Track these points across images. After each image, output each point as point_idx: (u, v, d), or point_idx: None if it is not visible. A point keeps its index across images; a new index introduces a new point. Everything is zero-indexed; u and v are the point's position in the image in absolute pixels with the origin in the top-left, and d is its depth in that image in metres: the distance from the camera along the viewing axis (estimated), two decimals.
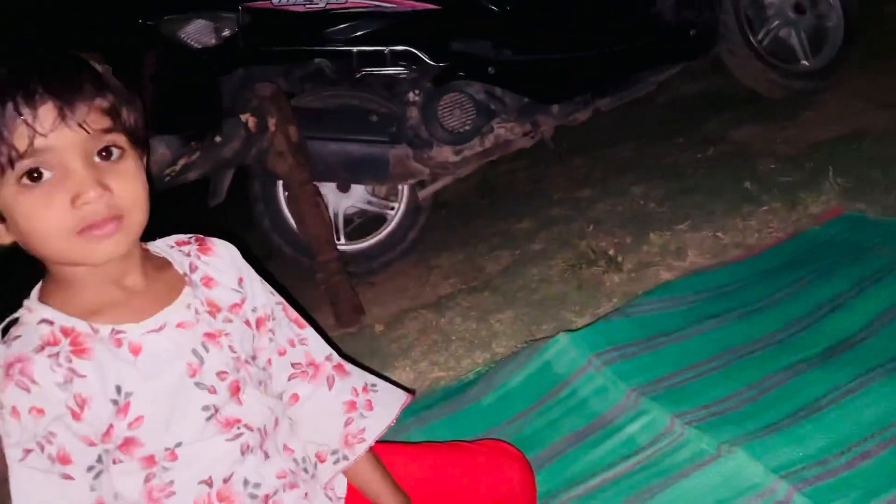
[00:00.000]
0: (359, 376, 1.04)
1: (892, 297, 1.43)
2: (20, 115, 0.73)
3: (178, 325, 0.85)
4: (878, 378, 1.23)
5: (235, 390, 0.88)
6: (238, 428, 0.87)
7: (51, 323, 0.80)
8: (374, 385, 1.04)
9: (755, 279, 1.70)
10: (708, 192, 2.26)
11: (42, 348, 0.79)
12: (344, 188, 2.52)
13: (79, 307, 0.82)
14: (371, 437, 1.00)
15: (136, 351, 0.82)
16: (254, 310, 0.94)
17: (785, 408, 1.24)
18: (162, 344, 0.84)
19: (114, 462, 0.82)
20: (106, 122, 0.78)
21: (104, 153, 0.78)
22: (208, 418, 0.85)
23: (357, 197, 2.54)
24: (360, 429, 1.00)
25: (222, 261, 0.94)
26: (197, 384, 0.85)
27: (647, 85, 2.64)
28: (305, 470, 0.96)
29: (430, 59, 2.37)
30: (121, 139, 0.79)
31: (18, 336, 0.80)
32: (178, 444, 0.84)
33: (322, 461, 0.99)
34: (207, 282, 0.91)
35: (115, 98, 0.79)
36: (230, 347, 0.88)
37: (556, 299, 1.96)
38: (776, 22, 2.69)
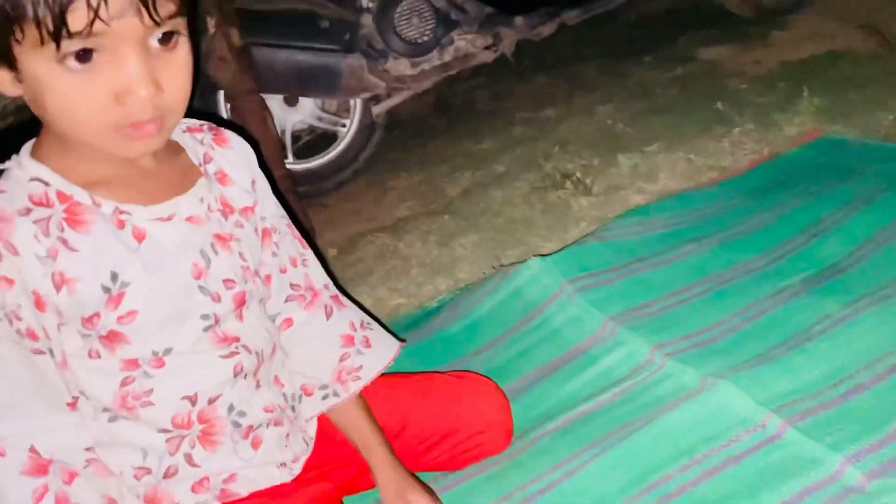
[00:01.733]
0: (355, 311, 0.98)
1: (878, 221, 1.37)
2: None
3: (189, 219, 0.76)
4: (868, 308, 1.18)
5: (240, 303, 0.79)
6: (235, 346, 0.79)
7: (46, 184, 0.69)
8: (369, 323, 0.98)
9: (733, 203, 1.62)
10: (678, 112, 2.16)
11: (29, 211, 0.68)
12: (292, 102, 2.32)
13: (81, 176, 0.71)
14: (368, 377, 0.93)
15: (139, 237, 0.73)
16: (263, 218, 0.86)
17: (772, 337, 1.17)
18: (169, 235, 0.74)
19: (90, 355, 0.72)
20: (172, 7, 0.65)
21: (164, 40, 0.66)
22: (206, 328, 0.77)
23: (306, 112, 2.35)
24: (356, 366, 0.93)
25: (238, 156, 0.85)
26: (201, 288, 0.76)
27: None
28: (293, 408, 0.89)
29: None
30: (181, 23, 0.67)
31: (2, 191, 0.69)
32: (168, 351, 0.75)
33: (308, 395, 0.92)
34: (222, 177, 0.82)
35: None
36: (240, 254, 0.80)
37: (522, 223, 1.86)
38: None
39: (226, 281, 0.78)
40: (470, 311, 1.46)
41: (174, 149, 0.79)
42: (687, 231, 1.52)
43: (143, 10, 0.62)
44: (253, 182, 0.85)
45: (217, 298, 0.77)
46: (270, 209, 0.87)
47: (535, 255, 1.49)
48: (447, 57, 2.39)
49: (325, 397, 0.92)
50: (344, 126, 2.40)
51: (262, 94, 2.05)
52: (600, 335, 1.28)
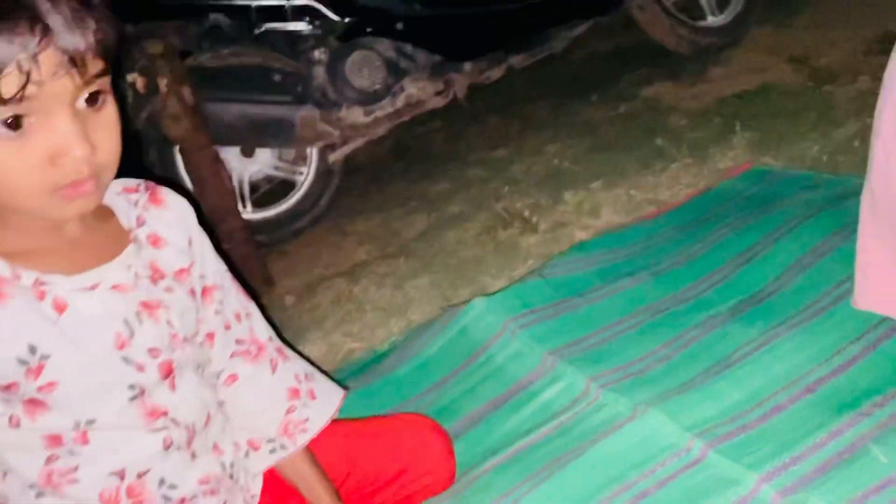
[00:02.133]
0: (300, 362, 0.99)
1: (799, 249, 1.44)
2: (15, 58, 0.61)
3: (114, 287, 0.76)
4: (787, 331, 1.24)
5: (167, 372, 0.79)
6: (164, 421, 0.78)
7: None
8: (313, 374, 0.99)
9: (668, 236, 1.70)
10: (621, 149, 2.25)
11: None
12: (248, 153, 2.38)
13: (3, 246, 0.71)
14: (314, 429, 0.94)
15: (60, 308, 0.72)
16: (202, 277, 0.86)
17: (699, 365, 1.24)
18: (92, 305, 0.74)
19: (10, 422, 0.71)
20: (100, 64, 0.66)
21: (91, 99, 0.67)
22: (132, 398, 0.76)
23: (263, 162, 2.41)
24: (302, 418, 0.94)
25: (174, 216, 0.84)
26: (124, 358, 0.75)
27: (559, 41, 2.60)
28: (231, 476, 0.89)
29: (335, 14, 2.25)
30: (107, 82, 0.69)
31: None
32: (91, 422, 0.74)
33: (256, 449, 0.93)
34: (155, 240, 0.82)
35: (112, 34, 0.67)
36: (168, 322, 0.79)
37: (473, 263, 1.92)
38: None
39: (151, 350, 0.77)
40: (419, 352, 1.51)
41: (104, 214, 0.79)
42: (623, 265, 1.59)
43: (73, 70, 0.63)
44: (189, 241, 0.85)
45: (141, 368, 0.77)
46: (211, 267, 0.88)
47: (481, 295, 1.55)
48: (399, 104, 2.46)
49: (272, 451, 0.93)
50: (301, 174, 2.46)
51: (218, 147, 2.12)
52: (541, 370, 1.33)
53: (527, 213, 2.04)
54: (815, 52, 2.50)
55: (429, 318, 1.67)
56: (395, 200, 2.53)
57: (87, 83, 0.65)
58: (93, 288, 0.74)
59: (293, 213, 2.46)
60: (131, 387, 0.76)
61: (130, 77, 1.84)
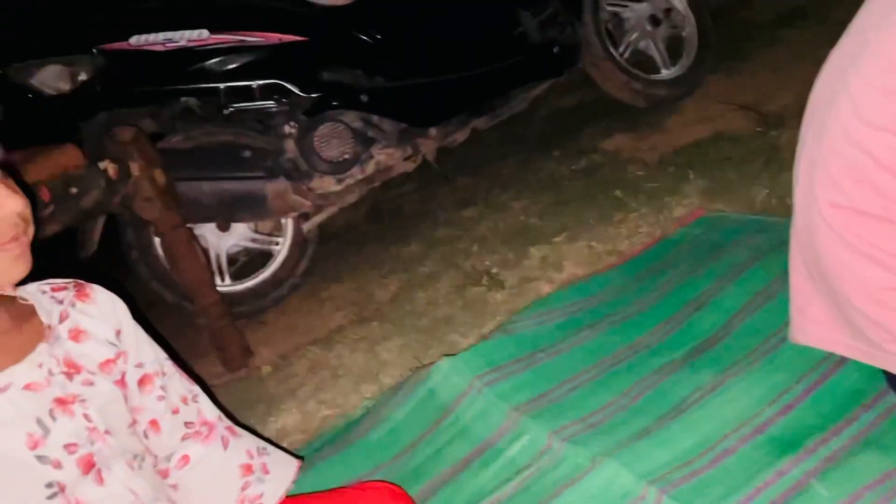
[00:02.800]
0: (250, 438, 1.01)
1: (747, 293, 1.51)
2: None
3: (26, 387, 0.77)
4: (736, 374, 1.30)
5: (88, 466, 0.79)
6: None
7: None
8: (265, 448, 1.01)
9: (626, 285, 1.76)
10: (582, 202, 2.33)
11: None
12: (224, 227, 2.44)
13: None
14: (270, 503, 0.96)
15: None
16: (138, 366, 0.88)
17: (653, 412, 1.28)
18: (2, 408, 0.75)
19: None
20: None
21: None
22: (50, 496, 0.76)
23: (239, 235, 2.47)
24: (258, 493, 0.96)
25: (100, 310, 0.87)
26: (39, 457, 0.76)
27: (520, 102, 2.70)
28: None
29: (301, 91, 2.33)
30: None
31: None
32: None
33: None
34: (77, 335, 0.84)
35: None
36: (84, 416, 0.80)
37: (444, 322, 1.97)
38: (635, 34, 2.81)
39: (67, 446, 0.77)
40: (388, 415, 1.54)
41: (26, 314, 0.81)
42: (583, 317, 1.65)
43: None
44: (117, 333, 0.88)
45: (58, 465, 0.76)
46: (148, 356, 0.91)
47: (448, 354, 1.60)
48: (369, 171, 2.53)
49: None
50: (278, 244, 2.52)
51: (194, 224, 2.18)
52: (505, 426, 1.37)
53: (494, 270, 2.10)
54: (764, 96, 2.61)
55: (399, 381, 1.71)
56: (369, 263, 2.58)
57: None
58: (3, 389, 0.75)
59: (272, 283, 2.50)
60: (48, 485, 0.76)
61: (102, 164, 1.91)
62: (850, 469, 1.04)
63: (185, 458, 0.93)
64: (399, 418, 1.52)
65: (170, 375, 0.93)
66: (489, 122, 2.73)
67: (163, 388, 0.91)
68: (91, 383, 0.82)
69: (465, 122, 2.66)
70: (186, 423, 0.94)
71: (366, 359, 1.90)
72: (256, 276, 2.50)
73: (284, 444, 1.66)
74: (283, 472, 1.00)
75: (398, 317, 2.08)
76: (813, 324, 1.11)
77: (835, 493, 1.01)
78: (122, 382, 0.87)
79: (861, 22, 0.99)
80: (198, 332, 2.28)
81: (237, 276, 2.50)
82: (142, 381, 0.90)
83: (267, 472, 0.98)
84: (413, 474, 1.37)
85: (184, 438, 0.93)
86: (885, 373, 1.08)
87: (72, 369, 0.81)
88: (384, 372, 1.81)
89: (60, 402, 0.79)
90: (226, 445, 0.96)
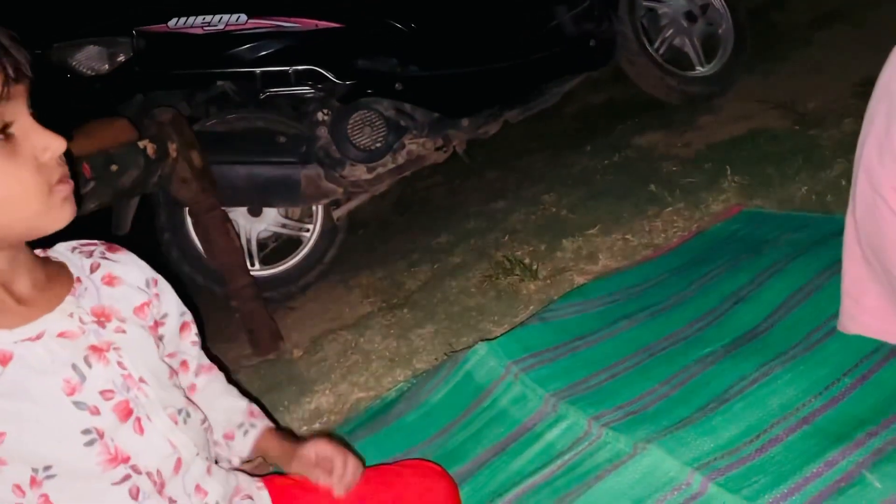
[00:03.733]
0: None
1: (789, 287, 1.49)
2: None
3: (60, 335, 0.78)
4: (781, 366, 1.28)
5: (126, 414, 0.79)
6: (124, 468, 0.79)
7: None
8: None
9: (664, 278, 1.74)
10: (615, 196, 2.32)
11: None
12: (255, 212, 2.46)
13: None
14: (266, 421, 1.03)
15: (4, 360, 0.74)
16: (182, 314, 0.94)
17: (696, 401, 1.27)
18: (38, 354, 0.76)
19: None
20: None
21: (32, 109, 0.73)
22: (88, 443, 0.76)
23: (270, 220, 2.48)
24: (257, 410, 1.05)
25: (132, 259, 0.90)
26: (76, 403, 0.77)
27: (552, 96, 2.70)
28: None
29: (336, 78, 2.35)
30: None
31: None
32: (49, 470, 0.74)
33: (232, 438, 0.99)
34: (110, 280, 0.85)
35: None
36: (119, 363, 0.81)
37: (476, 311, 1.96)
38: (670, 30, 2.80)
39: (103, 392, 0.78)
40: (425, 399, 1.54)
41: (57, 271, 0.83)
42: (620, 307, 1.63)
43: (25, 78, 0.70)
44: (153, 282, 0.90)
45: (96, 412, 0.77)
46: (182, 306, 0.95)
47: (483, 340, 1.59)
48: (400, 160, 2.54)
49: (245, 433, 1.00)
50: (307, 231, 2.53)
51: (226, 208, 2.19)
52: (543, 411, 1.36)
53: (526, 261, 2.09)
54: (800, 97, 2.59)
55: (433, 366, 1.71)
56: (398, 253, 2.59)
57: (31, 91, 0.72)
58: (38, 337, 0.76)
59: (300, 269, 2.51)
60: (86, 431, 0.77)
61: (141, 143, 1.92)
62: None
63: (194, 386, 1.00)
64: (435, 401, 1.52)
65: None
66: (521, 114, 2.73)
67: (196, 334, 0.97)
68: (123, 331, 0.83)
69: (497, 114, 2.66)
70: (201, 365, 1.01)
71: (398, 344, 1.90)
72: (286, 262, 2.51)
73: (317, 425, 1.67)
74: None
75: (429, 305, 2.08)
76: (866, 313, 1.10)
77: (888, 485, 1.00)
78: (154, 329, 0.89)
79: None
80: (227, 315, 2.29)
81: (266, 262, 2.51)
82: (183, 327, 0.95)
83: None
84: (450, 456, 1.37)
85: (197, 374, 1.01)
86: None
87: (103, 318, 0.82)
88: (417, 357, 1.81)
89: (95, 349, 0.80)
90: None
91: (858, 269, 1.09)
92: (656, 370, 1.39)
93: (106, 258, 0.88)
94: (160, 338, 0.90)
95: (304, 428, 1.65)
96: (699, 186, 2.18)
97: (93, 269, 0.86)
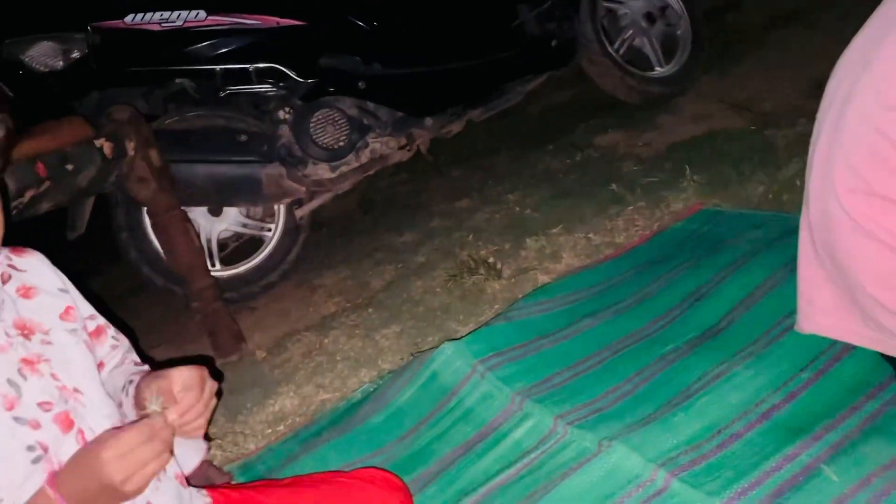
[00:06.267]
0: None
1: (748, 285, 1.52)
2: None
3: None
4: (740, 363, 1.31)
5: (67, 425, 0.77)
6: None
7: None
8: None
9: (626, 276, 1.76)
10: (578, 195, 2.34)
11: None
12: (216, 212, 2.42)
13: None
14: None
15: None
16: (91, 317, 0.90)
17: (659, 398, 1.29)
18: None
19: None
20: None
21: None
22: (35, 461, 0.73)
23: (231, 220, 2.44)
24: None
25: (41, 261, 0.86)
26: (16, 418, 0.73)
27: (515, 95, 2.71)
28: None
29: (298, 76, 2.32)
30: None
31: None
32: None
33: (121, 406, 0.92)
34: (26, 291, 0.82)
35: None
36: (52, 375, 0.78)
37: (440, 310, 1.96)
38: (630, 31, 2.83)
39: (41, 404, 0.76)
40: (392, 400, 1.54)
41: None
42: (584, 306, 1.65)
43: None
44: (65, 283, 0.87)
45: (36, 425, 0.74)
46: (91, 308, 0.92)
47: (449, 340, 1.59)
48: (364, 159, 2.52)
49: (127, 394, 0.90)
50: (269, 231, 2.49)
51: (185, 208, 2.15)
52: (509, 410, 1.37)
53: (491, 260, 2.10)
54: (757, 97, 2.64)
55: (399, 366, 1.70)
56: (362, 252, 2.57)
57: None
58: None
59: (262, 270, 2.48)
60: (30, 448, 0.74)
61: (98, 142, 1.87)
62: (858, 455, 1.06)
63: (101, 364, 0.94)
64: (401, 401, 1.52)
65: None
66: (485, 113, 2.73)
67: (114, 337, 0.94)
68: (49, 342, 0.81)
69: (460, 114, 2.66)
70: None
71: (363, 344, 1.89)
72: (247, 262, 2.47)
73: (282, 427, 1.65)
74: None
75: (394, 305, 2.07)
76: (822, 313, 1.13)
77: (844, 478, 1.03)
78: (85, 330, 0.87)
79: (883, 12, 1.00)
80: (187, 316, 2.25)
81: (227, 262, 2.47)
82: (96, 332, 0.91)
83: None
84: (416, 457, 1.37)
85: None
86: (891, 361, 1.10)
87: (27, 331, 0.80)
88: (383, 358, 1.80)
89: (27, 361, 0.78)
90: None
91: (813, 270, 1.12)
92: (620, 368, 1.41)
93: (14, 266, 0.84)
94: (88, 339, 0.88)
95: (269, 430, 1.63)
96: (660, 186, 2.21)
97: (4, 280, 0.82)
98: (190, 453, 0.99)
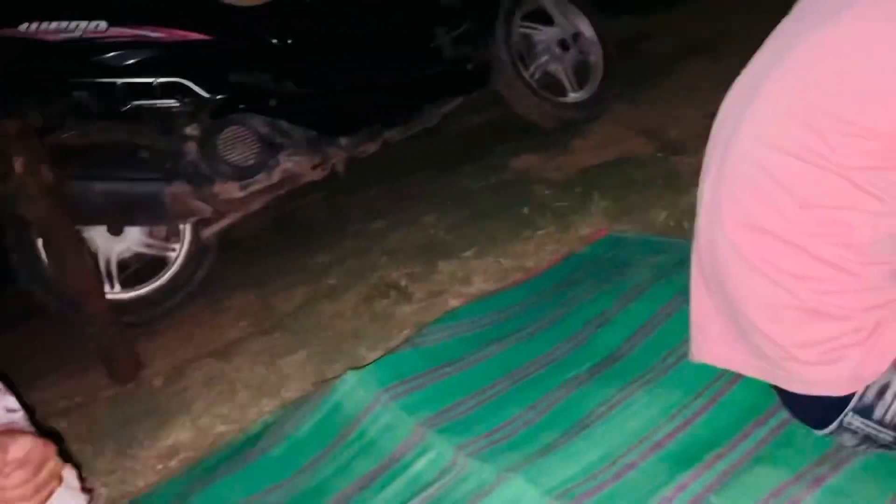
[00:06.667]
0: None
1: (648, 311, 1.55)
2: None
3: None
4: (638, 390, 1.32)
5: None
6: None
7: None
8: None
9: (534, 301, 1.77)
10: (491, 218, 2.35)
11: None
12: (116, 231, 2.31)
13: None
14: None
15: None
16: None
17: (559, 427, 1.29)
18: None
19: None
20: None
21: None
22: None
23: (132, 240, 2.34)
24: None
25: None
26: None
27: (432, 117, 2.71)
28: None
29: (205, 91, 2.25)
30: None
31: None
32: None
33: None
34: None
35: None
36: None
37: (350, 335, 1.92)
38: (545, 57, 2.88)
39: None
40: (291, 432, 1.48)
41: None
42: (491, 331, 1.65)
43: None
44: None
45: None
46: None
47: (354, 367, 1.56)
48: (275, 178, 2.46)
49: None
50: (174, 251, 2.40)
51: (84, 226, 2.05)
52: (411, 441, 1.34)
53: (403, 283, 2.08)
54: (664, 123, 2.73)
55: (302, 395, 1.65)
56: (273, 274, 2.50)
57: None
58: None
59: (165, 292, 2.38)
60: None
61: None
62: (744, 484, 1.08)
63: None
64: (302, 433, 1.47)
65: None
66: (401, 134, 2.72)
67: None
68: None
69: (376, 134, 2.64)
70: None
71: (266, 372, 1.83)
72: (150, 284, 2.37)
73: (174, 462, 1.57)
74: None
75: (302, 329, 2.02)
76: (711, 342, 1.15)
77: None
78: None
79: (765, 51, 1.04)
80: (83, 342, 2.13)
81: (128, 283, 2.36)
82: None
83: None
84: (316, 491, 1.32)
85: None
86: (778, 389, 1.13)
87: None
88: (286, 386, 1.74)
89: None
90: None
91: (703, 300, 1.14)
92: (523, 395, 1.41)
93: None
94: None
95: (161, 466, 1.55)
96: (570, 210, 2.24)
97: None
98: None
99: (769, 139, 0.96)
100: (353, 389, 1.47)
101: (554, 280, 1.84)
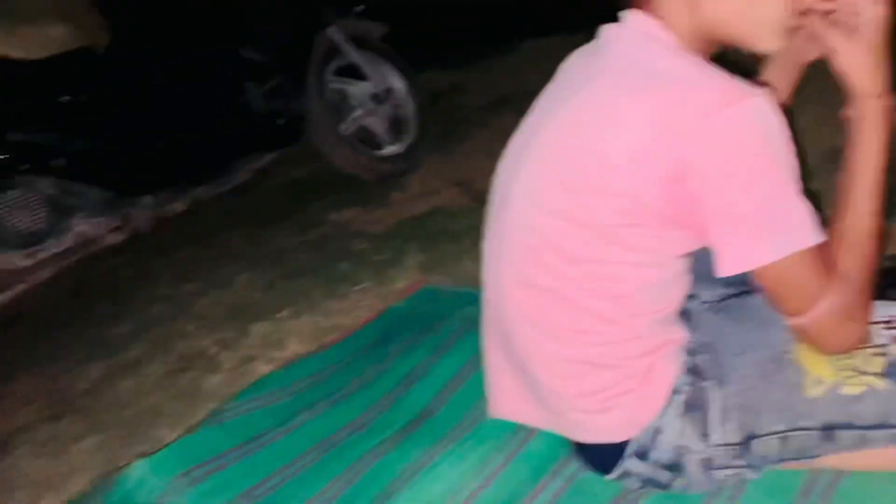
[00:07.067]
0: None
1: (456, 364, 1.55)
2: None
3: None
4: (444, 449, 1.31)
5: None
6: None
7: None
8: None
9: (348, 361, 1.73)
10: (309, 275, 2.29)
11: None
12: None
13: None
14: None
15: None
16: None
17: (366, 498, 1.24)
18: None
19: None
20: None
21: None
22: None
23: None
24: None
25: None
26: None
27: (245, 172, 2.63)
28: None
29: None
30: None
31: None
32: None
33: None
34: None
35: None
36: None
37: (151, 413, 1.77)
38: (359, 111, 2.90)
39: None
40: None
41: None
42: (301, 398, 1.58)
43: None
44: None
45: None
46: None
47: (150, 452, 1.43)
48: (68, 243, 2.28)
49: None
50: None
51: None
52: None
53: (212, 351, 1.96)
54: (476, 174, 2.81)
55: (89, 489, 1.49)
56: (67, 349, 2.27)
57: None
58: None
59: None
60: None
61: None
62: None
63: None
64: None
65: None
66: (211, 191, 2.62)
67: None
68: None
69: (183, 192, 2.52)
70: None
71: (51, 463, 1.64)
72: None
73: None
74: None
75: (96, 410, 1.84)
76: (506, 396, 1.17)
77: None
78: None
79: (535, 111, 1.09)
80: None
81: None
82: None
83: None
84: None
85: None
86: (569, 439, 1.16)
87: None
88: (73, 479, 1.57)
89: None
90: None
91: (495, 356, 1.16)
92: (331, 466, 1.35)
93: None
94: None
95: None
96: (387, 263, 2.23)
97: None
98: None
99: (536, 199, 1.00)
100: (143, 480, 1.34)
101: (370, 337, 1.81)
